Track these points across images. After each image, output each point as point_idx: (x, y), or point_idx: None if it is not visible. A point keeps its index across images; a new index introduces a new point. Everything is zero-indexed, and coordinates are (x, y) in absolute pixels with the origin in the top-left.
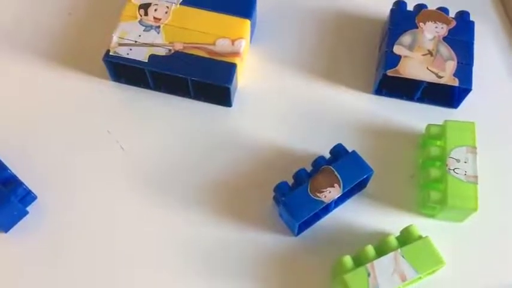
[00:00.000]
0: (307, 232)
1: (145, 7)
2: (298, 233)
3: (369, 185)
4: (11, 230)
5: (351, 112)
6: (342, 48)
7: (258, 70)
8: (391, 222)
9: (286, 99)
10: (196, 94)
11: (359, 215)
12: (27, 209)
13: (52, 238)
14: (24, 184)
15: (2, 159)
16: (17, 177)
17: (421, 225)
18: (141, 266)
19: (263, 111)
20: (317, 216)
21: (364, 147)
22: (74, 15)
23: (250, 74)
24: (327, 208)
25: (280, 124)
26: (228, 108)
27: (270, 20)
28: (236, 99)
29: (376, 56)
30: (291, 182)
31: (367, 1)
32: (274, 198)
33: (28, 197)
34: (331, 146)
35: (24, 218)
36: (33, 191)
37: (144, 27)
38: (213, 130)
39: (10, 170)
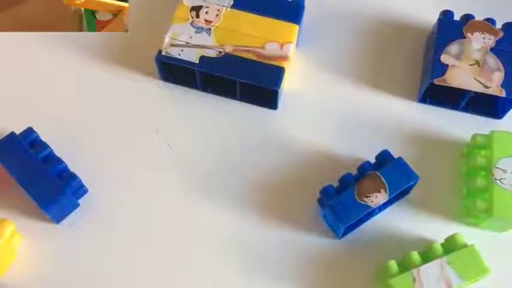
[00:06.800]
0: (349, 236)
1: (196, 9)
2: (342, 236)
3: (412, 191)
4: (62, 221)
5: (395, 119)
6: (386, 55)
7: (303, 74)
8: (433, 229)
9: (329, 104)
10: (242, 96)
11: (401, 221)
12: (79, 201)
13: (100, 231)
14: (78, 177)
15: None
16: (71, 170)
17: (463, 233)
18: (183, 263)
19: (307, 114)
20: (360, 221)
21: (407, 154)
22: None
23: (294, 78)
24: (371, 213)
25: (324, 128)
26: (273, 110)
27: (315, 25)
28: (281, 102)
29: (420, 65)
30: (335, 185)
31: (412, 11)
32: (319, 200)
33: (81, 190)
34: (374, 152)
35: (75, 211)
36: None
37: (195, 29)
38: (258, 131)
39: (65, 163)
